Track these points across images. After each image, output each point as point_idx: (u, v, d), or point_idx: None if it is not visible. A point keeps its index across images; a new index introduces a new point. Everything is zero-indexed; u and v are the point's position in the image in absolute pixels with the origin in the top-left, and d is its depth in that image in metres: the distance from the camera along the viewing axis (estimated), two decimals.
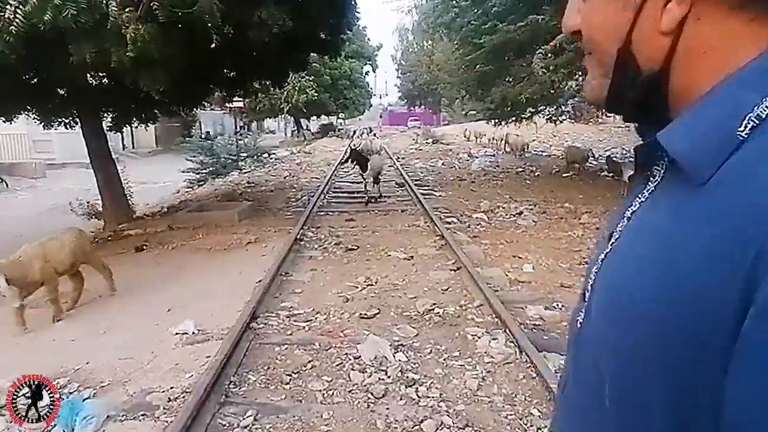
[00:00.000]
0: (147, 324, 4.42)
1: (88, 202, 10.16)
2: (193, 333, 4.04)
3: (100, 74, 7.83)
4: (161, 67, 5.67)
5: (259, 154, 15.44)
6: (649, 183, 0.49)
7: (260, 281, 4.95)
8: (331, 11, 7.37)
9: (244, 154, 15.08)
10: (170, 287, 5.36)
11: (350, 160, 9.66)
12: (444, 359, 3.60)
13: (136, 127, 12.78)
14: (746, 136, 0.40)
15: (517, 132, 16.99)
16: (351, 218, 8.23)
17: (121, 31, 5.05)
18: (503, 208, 8.82)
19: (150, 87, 6.03)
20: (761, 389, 0.35)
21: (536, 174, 13.32)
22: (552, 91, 11.07)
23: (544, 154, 17.39)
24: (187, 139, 15.23)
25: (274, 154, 16.63)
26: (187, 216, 8.84)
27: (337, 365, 3.42)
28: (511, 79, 11.84)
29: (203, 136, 19.47)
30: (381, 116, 57.00)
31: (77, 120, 9.17)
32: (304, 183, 12.71)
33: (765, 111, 0.39)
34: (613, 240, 0.51)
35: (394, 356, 3.56)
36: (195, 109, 14.12)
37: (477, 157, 16.75)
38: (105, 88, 8.42)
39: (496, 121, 15.86)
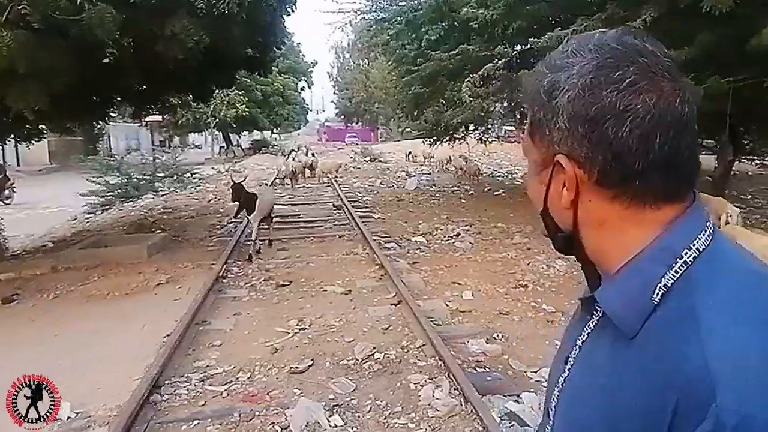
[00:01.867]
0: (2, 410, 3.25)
1: None
2: (69, 419, 3.15)
3: None
4: (36, 81, 4.73)
5: (179, 174, 13.89)
6: (593, 315, 0.61)
7: (169, 335, 4.24)
8: (257, 29, 6.85)
9: (162, 174, 13.47)
10: (44, 353, 4.21)
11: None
12: (385, 418, 3.21)
13: (17, 144, 10.72)
14: (659, 300, 0.53)
15: (467, 154, 17.20)
16: (283, 247, 7.68)
17: None
18: (441, 230, 8.68)
19: (20, 105, 4.99)
20: None
21: (470, 192, 13.41)
22: (482, 114, 11.26)
23: (498, 177, 17.37)
24: (90, 156, 13.14)
25: (197, 173, 15.12)
26: (78, 253, 7.22)
27: None
28: (444, 102, 11.95)
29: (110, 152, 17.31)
30: (325, 132, 55.02)
31: None
32: (232, 207, 11.85)
33: (670, 281, 0.53)
34: (569, 365, 0.64)
35: (328, 421, 3.12)
36: (97, 123, 12.42)
37: (414, 176, 16.70)
38: None
39: (432, 140, 16.03)
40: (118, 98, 8.85)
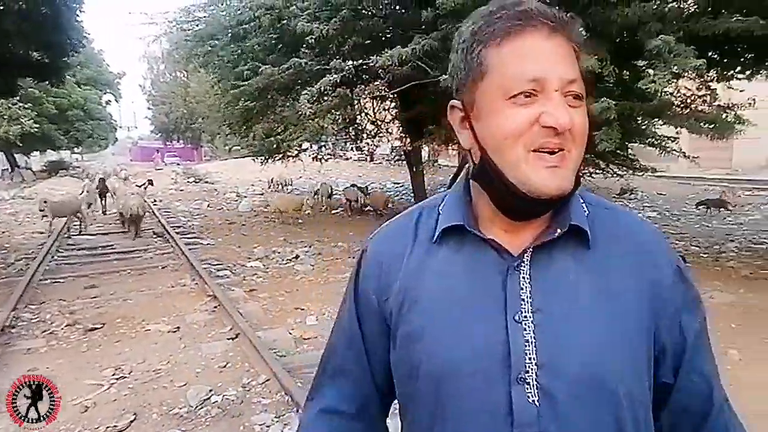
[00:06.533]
0: None
1: None
2: None
3: None
4: None
5: None
6: (522, 266, 0.66)
7: None
8: (42, 25, 5.77)
9: None
10: None
11: None
12: None
13: None
14: (588, 215, 0.70)
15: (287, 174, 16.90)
16: (92, 284, 6.55)
17: None
18: (279, 252, 8.42)
19: None
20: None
21: (307, 212, 13.34)
22: (317, 131, 11.34)
23: (336, 195, 17.30)
24: None
25: None
26: None
27: None
28: (275, 118, 11.70)
29: None
30: (158, 150, 47.25)
31: None
32: (21, 241, 9.79)
33: (588, 206, 0.71)
34: (524, 314, 0.64)
35: None
36: None
37: (247, 197, 16.01)
38: None
39: (263, 158, 15.52)
40: None
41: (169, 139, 50.02)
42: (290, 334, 4.83)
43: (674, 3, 7.25)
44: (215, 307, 5.50)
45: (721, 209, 11.86)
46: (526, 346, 0.63)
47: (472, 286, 0.67)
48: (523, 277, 0.65)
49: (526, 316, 0.64)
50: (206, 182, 22.42)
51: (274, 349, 4.30)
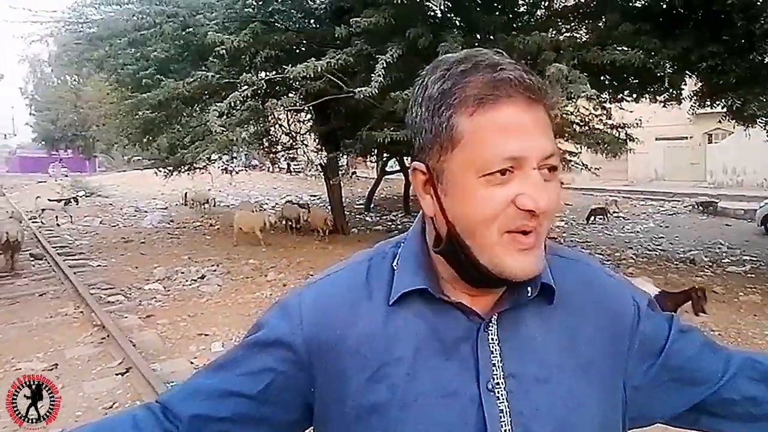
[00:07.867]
0: None
1: None
2: None
3: None
4: None
5: None
6: (490, 328, 0.63)
7: None
8: None
9: None
10: None
11: None
12: None
13: None
14: (552, 273, 0.67)
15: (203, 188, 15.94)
16: None
17: None
18: (183, 273, 7.82)
19: None
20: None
21: (216, 227, 12.58)
22: (228, 143, 10.83)
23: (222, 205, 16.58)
24: None
25: None
26: None
27: None
28: (181, 128, 10.96)
29: None
30: (61, 160, 40.69)
31: None
32: None
33: (548, 259, 0.65)
34: (494, 380, 0.62)
35: None
36: None
37: (148, 212, 14.79)
38: None
39: (167, 170, 14.46)
40: None
41: (55, 148, 45.00)
42: (192, 363, 4.48)
43: (568, 33, 8.02)
44: (103, 338, 4.91)
45: (603, 216, 13.73)
46: (501, 417, 0.61)
47: (440, 351, 0.63)
48: (492, 338, 0.63)
49: (498, 383, 0.62)
50: (99, 196, 20.50)
51: (171, 383, 3.89)
